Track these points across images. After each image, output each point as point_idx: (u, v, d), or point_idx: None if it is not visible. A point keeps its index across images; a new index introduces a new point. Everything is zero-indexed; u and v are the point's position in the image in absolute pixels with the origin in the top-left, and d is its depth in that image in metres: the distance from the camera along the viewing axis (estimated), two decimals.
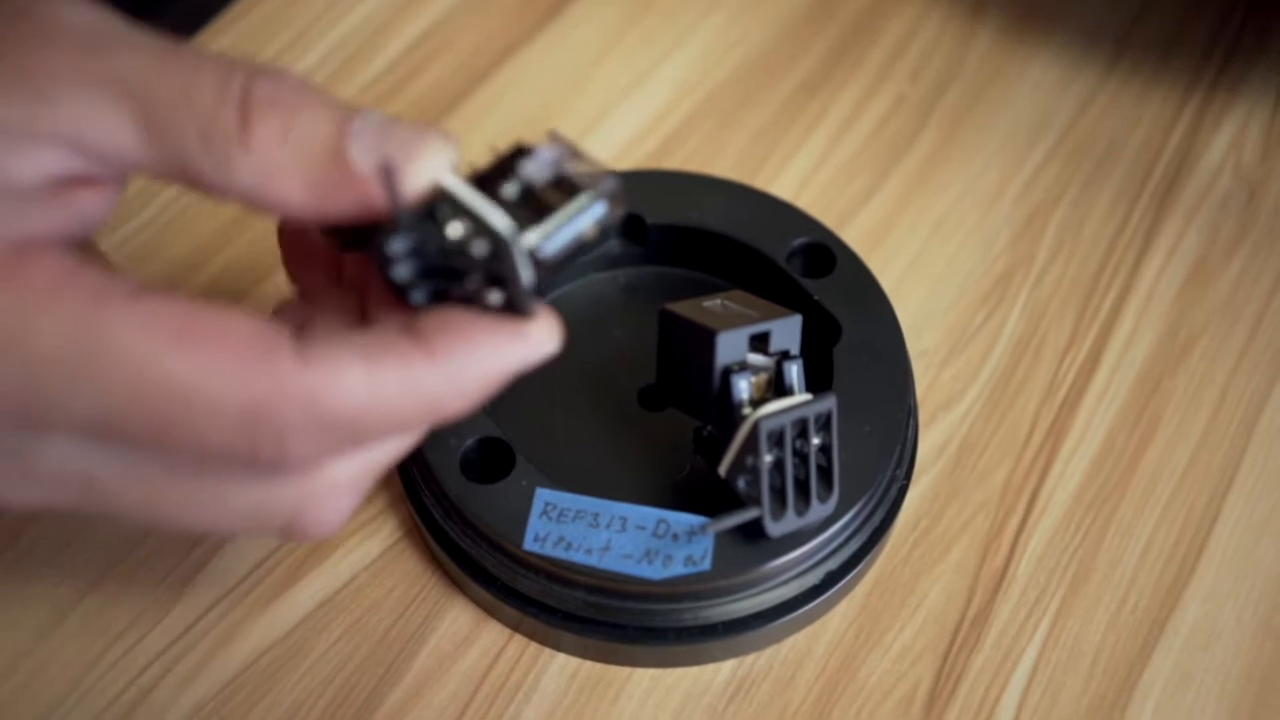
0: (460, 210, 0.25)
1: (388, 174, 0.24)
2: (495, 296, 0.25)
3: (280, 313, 0.28)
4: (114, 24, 0.24)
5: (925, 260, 0.39)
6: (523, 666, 0.32)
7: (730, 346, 0.30)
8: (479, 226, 0.24)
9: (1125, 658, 0.32)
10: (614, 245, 0.37)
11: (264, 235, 0.39)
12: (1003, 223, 0.40)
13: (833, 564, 0.32)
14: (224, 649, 0.32)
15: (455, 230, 0.24)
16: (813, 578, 0.32)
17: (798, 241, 0.36)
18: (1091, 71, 0.44)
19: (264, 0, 0.45)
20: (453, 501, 0.31)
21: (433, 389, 0.24)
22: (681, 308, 0.31)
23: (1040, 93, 0.43)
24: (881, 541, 0.33)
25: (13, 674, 0.32)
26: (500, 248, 0.24)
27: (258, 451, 0.24)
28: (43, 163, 0.23)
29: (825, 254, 0.35)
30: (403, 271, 0.25)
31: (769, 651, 0.32)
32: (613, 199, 0.25)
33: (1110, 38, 0.45)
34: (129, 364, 0.23)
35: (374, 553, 0.34)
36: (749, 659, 0.32)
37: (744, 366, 0.30)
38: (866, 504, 0.32)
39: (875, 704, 0.32)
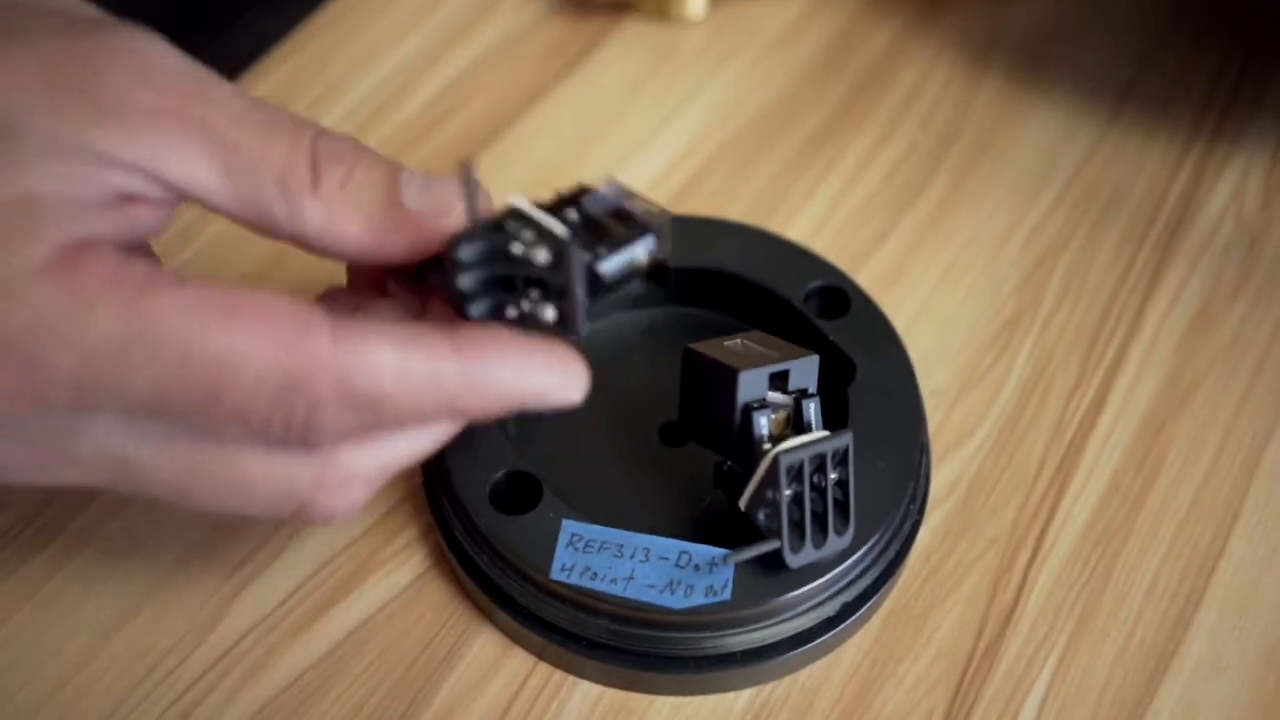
0: (527, 224, 0.27)
1: (469, 182, 0.26)
2: (550, 313, 0.27)
3: (327, 297, 0.31)
4: (204, 73, 0.27)
5: (936, 303, 0.40)
6: (547, 694, 0.33)
7: (751, 384, 0.31)
8: (542, 235, 0.27)
9: (1133, 690, 0.33)
10: (637, 286, 0.38)
11: (308, 265, 0.40)
12: (1010, 267, 0.41)
13: (848, 595, 0.33)
14: (261, 672, 0.33)
15: (521, 240, 0.27)
16: (829, 609, 0.33)
17: (813, 284, 0.37)
18: (1095, 120, 0.45)
19: (300, 49, 0.47)
20: (482, 532, 0.33)
21: (454, 386, 0.26)
22: (704, 347, 0.32)
23: (1045, 141, 0.45)
24: (895, 575, 0.34)
25: (62, 689, 0.33)
26: (562, 249, 0.26)
27: (290, 420, 0.26)
28: (116, 183, 0.26)
29: (840, 296, 0.37)
30: (467, 280, 0.27)
31: (786, 681, 0.33)
32: (664, 233, 0.28)
33: (1113, 88, 0.46)
34: (177, 342, 0.25)
35: (403, 582, 0.35)
36: (767, 688, 0.33)
37: (764, 404, 0.31)
38: (881, 538, 0.33)
39: None
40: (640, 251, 0.28)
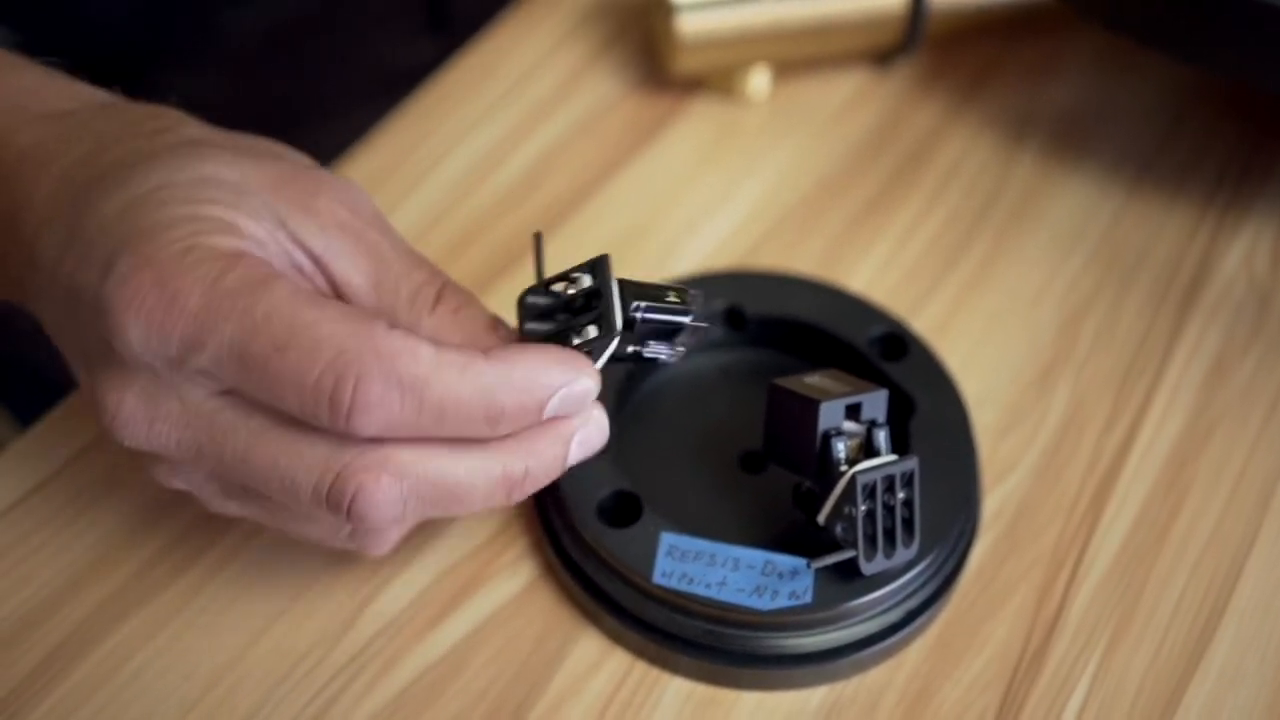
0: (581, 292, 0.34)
1: (538, 248, 0.34)
2: (590, 329, 0.33)
3: None
4: (375, 207, 0.35)
5: (982, 350, 0.45)
6: (645, 687, 0.38)
7: (830, 414, 0.36)
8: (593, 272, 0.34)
9: (1164, 693, 0.38)
10: (718, 332, 0.43)
11: None
12: (1047, 320, 0.46)
13: (912, 603, 0.37)
14: (391, 669, 0.38)
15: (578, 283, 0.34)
16: (895, 615, 0.37)
17: (875, 331, 0.42)
18: (1120, 191, 0.51)
19: (396, 133, 0.52)
20: (590, 543, 0.37)
21: (488, 380, 0.32)
22: (787, 382, 0.37)
23: (1076, 209, 0.50)
24: (952, 587, 0.38)
25: (217, 685, 0.37)
26: (599, 263, 0.33)
27: (339, 391, 0.30)
28: (296, 259, 0.34)
29: (899, 342, 0.42)
30: (533, 329, 0.34)
31: (855, 680, 0.38)
32: (700, 319, 0.35)
33: (1136, 162, 0.51)
34: (270, 305, 0.31)
35: (515, 590, 0.39)
36: (839, 686, 0.38)
37: (840, 432, 0.36)
38: (941, 552, 0.37)
39: None
40: (679, 319, 0.34)
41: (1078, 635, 0.39)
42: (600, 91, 0.54)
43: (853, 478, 0.35)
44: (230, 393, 0.32)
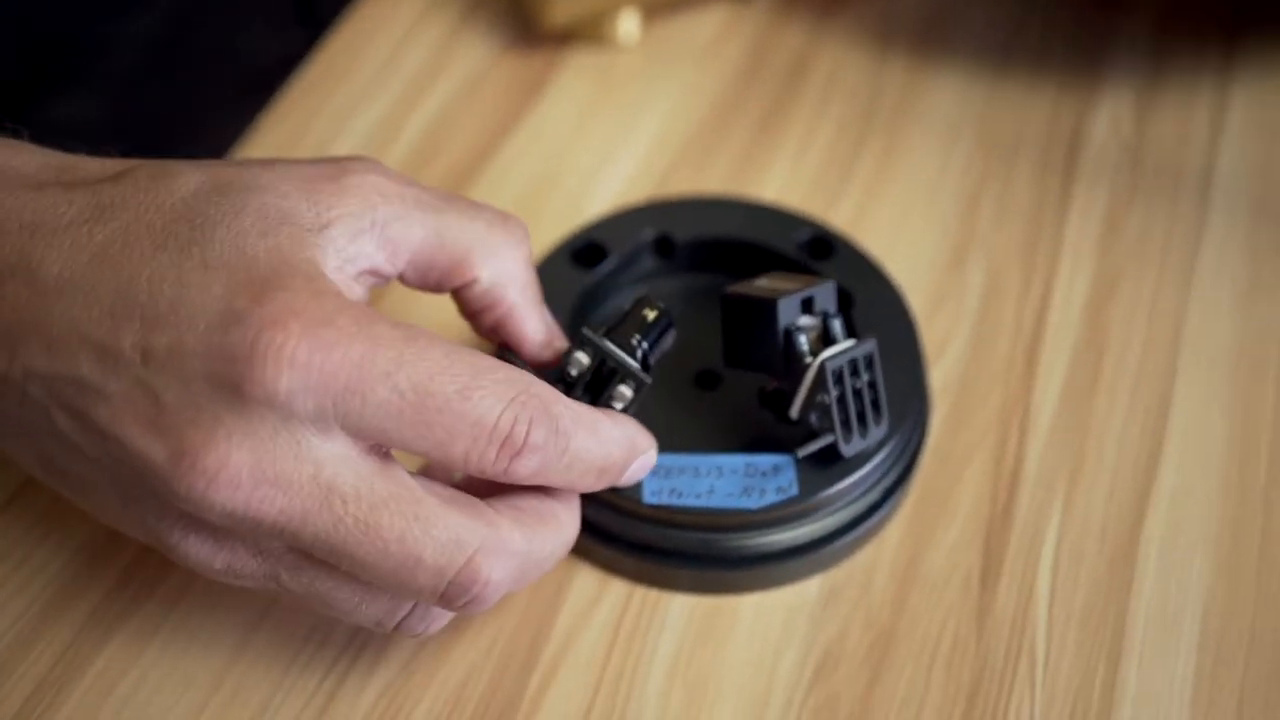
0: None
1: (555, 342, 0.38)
2: (625, 390, 0.36)
3: None
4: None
5: (896, 242, 0.47)
6: (649, 609, 0.38)
7: (787, 310, 0.37)
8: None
9: (1126, 522, 0.40)
10: (649, 262, 0.44)
11: None
12: (948, 206, 0.49)
13: (888, 481, 0.39)
14: (393, 640, 0.37)
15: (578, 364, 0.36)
16: (875, 494, 0.39)
17: (801, 236, 0.43)
18: (986, 79, 0.53)
19: (280, 122, 0.51)
20: None
21: (608, 434, 0.33)
22: (738, 289, 0.38)
23: (951, 100, 0.52)
24: (918, 461, 0.40)
25: (219, 687, 0.36)
26: (584, 338, 0.36)
27: (516, 431, 0.31)
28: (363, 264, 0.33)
29: (825, 243, 0.43)
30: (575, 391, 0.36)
31: (845, 565, 0.39)
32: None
33: (995, 50, 0.54)
34: (445, 345, 0.31)
35: None
36: (831, 574, 0.39)
37: (798, 327, 0.37)
38: (905, 428, 0.39)
39: (941, 590, 0.39)
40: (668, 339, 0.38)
41: (1038, 486, 0.41)
42: (474, 56, 0.54)
43: (822, 365, 0.36)
44: (368, 451, 0.30)
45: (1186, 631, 0.38)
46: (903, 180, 0.50)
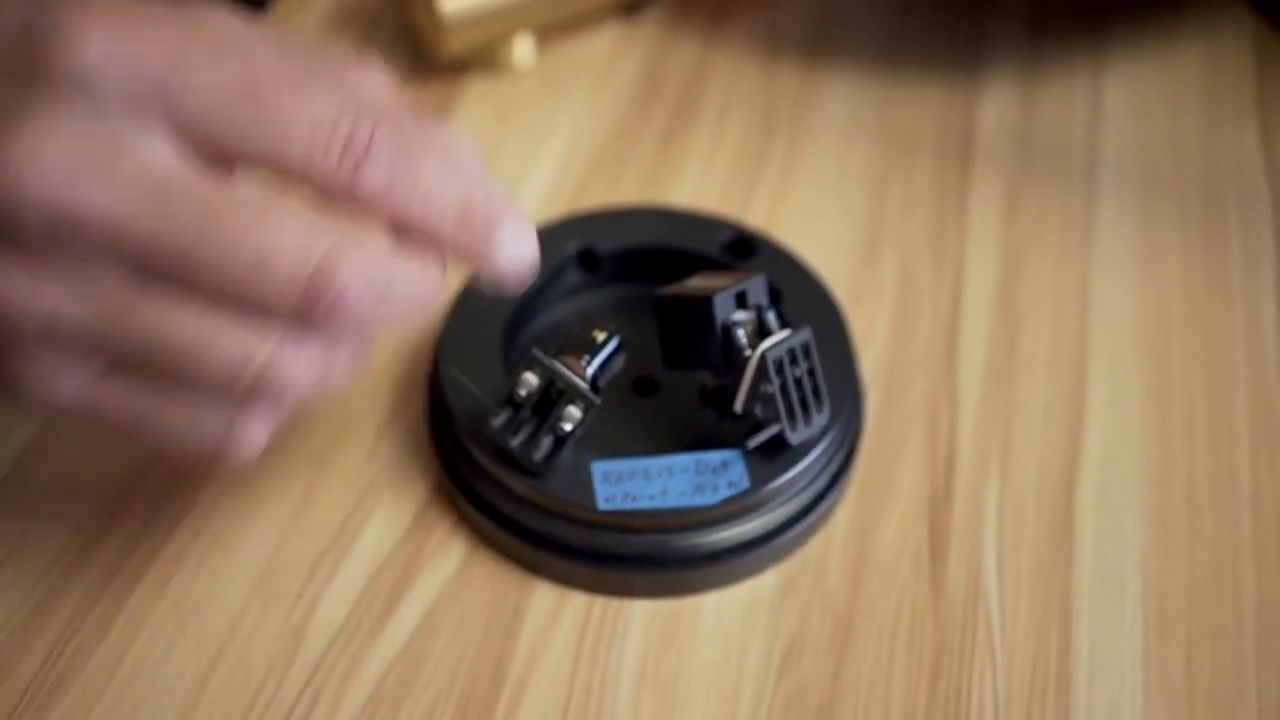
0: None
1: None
2: (574, 410, 0.36)
3: None
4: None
5: (809, 240, 0.48)
6: (610, 618, 0.38)
7: (724, 305, 0.37)
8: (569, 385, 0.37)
9: (1060, 488, 0.41)
10: (574, 276, 0.44)
11: None
12: (856, 202, 0.50)
13: (833, 468, 0.39)
14: (355, 674, 0.36)
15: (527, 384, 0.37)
16: (821, 482, 0.39)
17: (723, 238, 0.44)
18: (874, 80, 0.55)
19: None
20: (526, 497, 0.37)
21: (472, 168, 0.31)
22: (672, 289, 0.38)
23: (844, 104, 0.54)
24: (859, 446, 0.41)
25: None
26: (532, 359, 0.36)
27: (358, 133, 0.28)
28: None
29: (747, 243, 0.44)
30: (519, 444, 0.37)
31: (799, 555, 0.40)
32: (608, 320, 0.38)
33: (879, 52, 0.56)
34: (278, 40, 0.29)
35: (452, 568, 0.39)
36: (785, 565, 0.39)
37: (734, 322, 0.37)
38: (844, 414, 0.40)
39: (893, 571, 0.39)
40: (618, 359, 0.38)
41: (973, 463, 0.42)
42: None
43: (763, 356, 0.36)
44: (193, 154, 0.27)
45: (1130, 588, 0.39)
46: (809, 181, 0.51)
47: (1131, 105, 0.54)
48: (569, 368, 0.36)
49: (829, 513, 0.40)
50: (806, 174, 0.51)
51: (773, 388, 0.36)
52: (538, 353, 0.36)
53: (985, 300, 0.47)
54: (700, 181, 0.51)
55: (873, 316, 0.46)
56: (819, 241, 0.48)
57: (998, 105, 0.54)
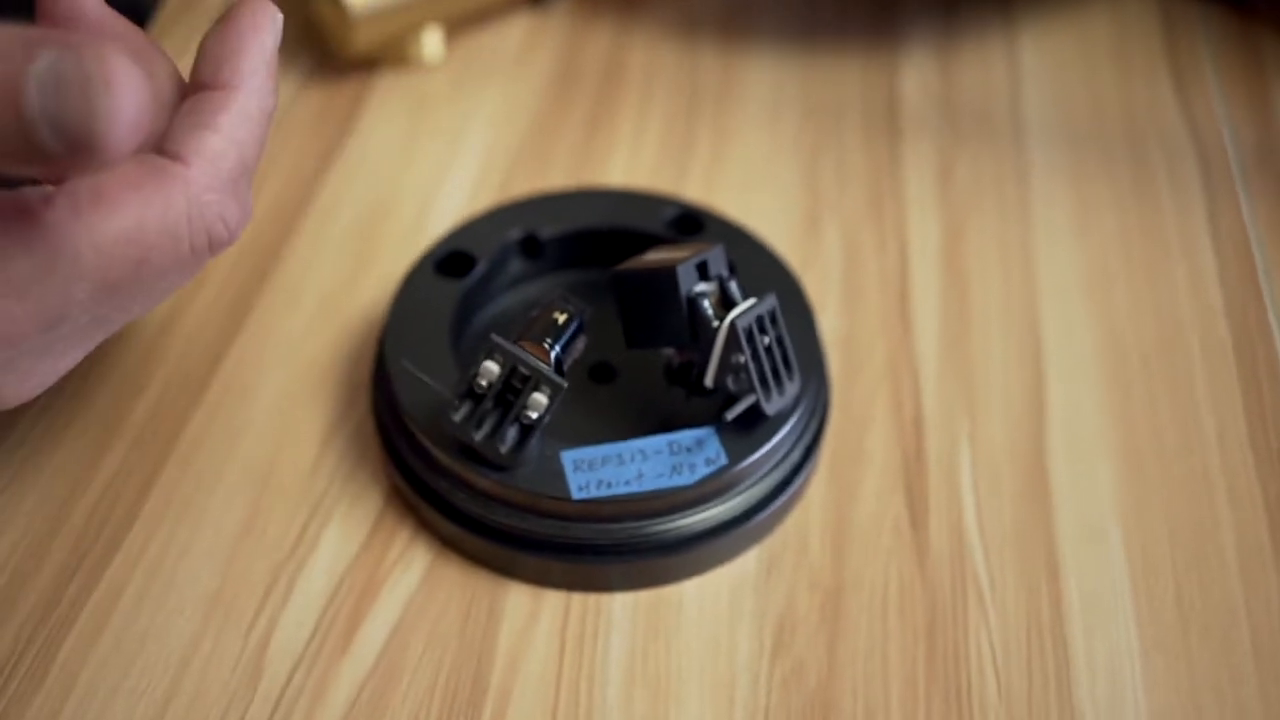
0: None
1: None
2: (540, 397, 0.34)
3: None
4: None
5: (750, 216, 0.47)
6: (590, 615, 0.36)
7: (687, 276, 0.36)
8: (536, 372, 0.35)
9: (1029, 443, 0.41)
10: (517, 265, 0.42)
11: None
12: (791, 177, 0.49)
13: (806, 439, 0.38)
14: (324, 696, 0.34)
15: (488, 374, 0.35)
16: (797, 454, 0.38)
17: (668, 215, 0.42)
18: (795, 56, 0.54)
19: None
20: (497, 494, 0.35)
21: None
22: (630, 265, 0.37)
23: (766, 80, 0.53)
24: (828, 416, 0.40)
25: None
26: (493, 346, 0.34)
27: None
28: None
29: (693, 219, 0.42)
30: (482, 437, 0.35)
31: (779, 532, 0.38)
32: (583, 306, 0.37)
33: (796, 28, 0.55)
34: None
35: (417, 577, 0.37)
36: (766, 543, 0.38)
37: (698, 293, 0.36)
38: (814, 383, 0.38)
39: (876, 538, 0.38)
40: (579, 341, 0.36)
41: (940, 425, 0.41)
42: (280, 91, 0.51)
43: (732, 324, 0.35)
44: None
45: (1111, 534, 0.38)
46: (741, 157, 0.50)
47: (1048, 66, 0.54)
48: (531, 353, 0.34)
49: (804, 487, 0.39)
50: (738, 151, 0.50)
51: (745, 357, 0.35)
52: (498, 339, 0.34)
53: (931, 265, 0.46)
54: (630, 166, 0.49)
55: (822, 289, 0.45)
56: (759, 217, 0.47)
57: (918, 74, 0.54)
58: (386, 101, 0.51)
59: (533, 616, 0.36)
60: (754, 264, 0.41)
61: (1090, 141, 0.51)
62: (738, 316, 0.35)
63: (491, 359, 0.34)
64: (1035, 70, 0.54)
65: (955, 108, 0.52)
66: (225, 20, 0.31)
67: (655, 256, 0.37)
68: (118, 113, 0.24)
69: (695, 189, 0.48)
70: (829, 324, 0.44)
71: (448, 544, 0.37)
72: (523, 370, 0.34)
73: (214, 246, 0.30)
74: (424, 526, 0.38)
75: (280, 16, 0.32)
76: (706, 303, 0.36)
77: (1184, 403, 0.42)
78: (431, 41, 0.53)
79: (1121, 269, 0.46)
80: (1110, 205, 0.48)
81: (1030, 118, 0.52)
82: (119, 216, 0.28)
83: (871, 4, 0.57)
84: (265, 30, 0.31)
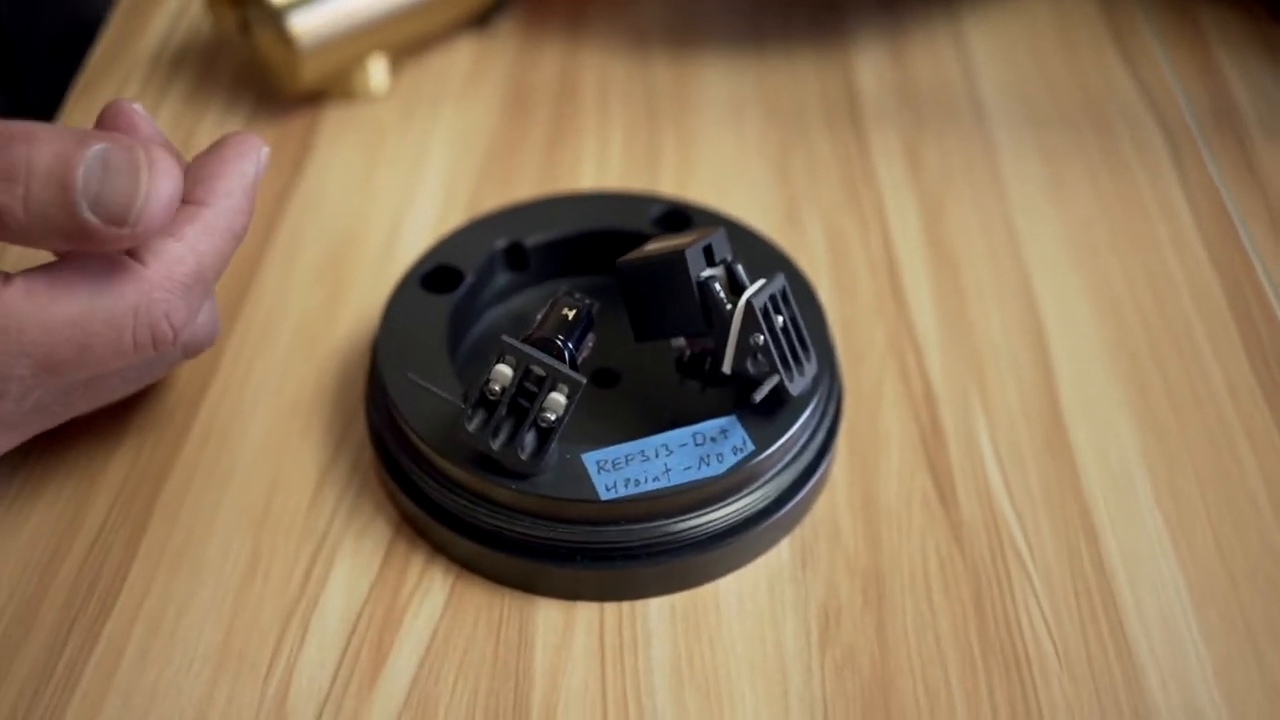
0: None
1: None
2: (559, 397, 0.32)
3: None
4: None
5: (732, 213, 0.46)
6: (627, 623, 0.34)
7: (695, 260, 0.34)
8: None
9: (1044, 406, 0.40)
10: (503, 277, 0.40)
11: None
12: (763, 174, 0.48)
13: (828, 421, 0.37)
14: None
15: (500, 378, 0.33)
16: (820, 438, 0.37)
17: (654, 212, 0.41)
18: (749, 58, 0.54)
19: None
20: (525, 507, 0.33)
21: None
22: (635, 255, 0.35)
23: (723, 84, 0.52)
24: (844, 399, 0.39)
25: None
26: (505, 347, 0.33)
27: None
28: None
29: (681, 215, 0.41)
30: (499, 444, 0.33)
31: (808, 521, 0.37)
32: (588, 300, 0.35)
33: (746, 31, 0.55)
34: None
35: (440, 603, 0.35)
36: (797, 533, 0.36)
37: (708, 277, 0.35)
38: (829, 363, 0.37)
39: (906, 516, 0.37)
40: (588, 342, 0.35)
41: (952, 397, 0.40)
42: (219, 132, 0.48)
43: (748, 304, 0.34)
44: None
45: (1140, 488, 0.38)
46: (710, 161, 0.49)
47: (997, 51, 0.54)
48: (543, 350, 0.33)
49: (828, 473, 0.37)
50: (707, 153, 0.49)
51: (764, 336, 0.34)
52: (509, 340, 0.32)
53: (916, 248, 0.45)
54: (599, 176, 0.48)
55: (812, 277, 0.44)
56: (738, 214, 0.46)
57: (872, 68, 0.53)
58: (338, 134, 0.50)
59: (567, 631, 0.34)
60: (752, 253, 0.40)
61: (1052, 119, 0.51)
62: (753, 294, 0.34)
63: (504, 361, 0.32)
64: (986, 56, 0.54)
65: (914, 96, 0.52)
66: (214, 146, 0.34)
67: (657, 246, 0.36)
68: (158, 191, 0.29)
69: (670, 192, 0.47)
70: (827, 310, 0.43)
71: (468, 565, 0.35)
72: (537, 370, 0.32)
73: (157, 343, 0.32)
74: (440, 550, 0.35)
75: (266, 150, 0.35)
76: (717, 285, 0.35)
77: (1188, 355, 0.42)
78: (377, 71, 0.51)
79: (1105, 235, 0.46)
80: (1083, 177, 0.48)
81: (989, 101, 0.52)
82: (70, 301, 0.30)
83: (814, 4, 0.57)
84: (248, 159, 0.34)
